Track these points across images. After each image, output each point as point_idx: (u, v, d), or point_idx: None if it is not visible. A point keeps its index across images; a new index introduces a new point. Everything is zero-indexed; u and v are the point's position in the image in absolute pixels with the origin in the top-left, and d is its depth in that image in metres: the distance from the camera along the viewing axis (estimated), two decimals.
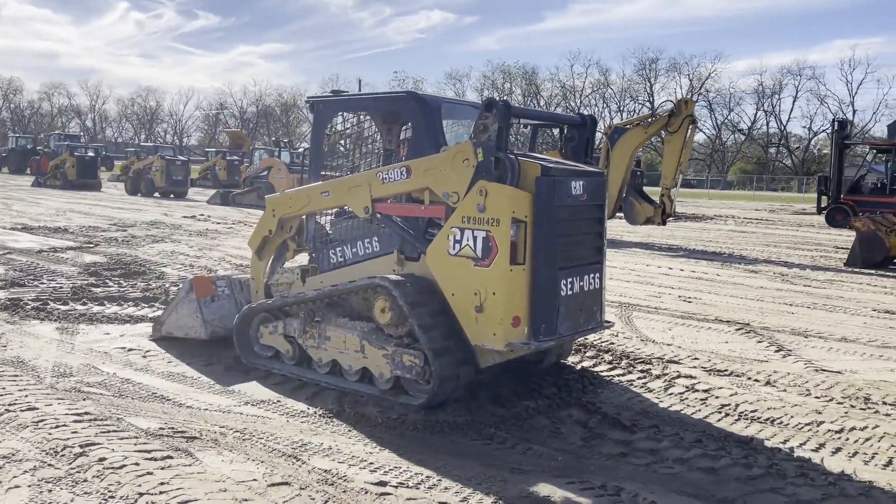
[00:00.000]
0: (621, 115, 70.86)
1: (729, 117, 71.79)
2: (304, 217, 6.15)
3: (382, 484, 3.95)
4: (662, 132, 17.19)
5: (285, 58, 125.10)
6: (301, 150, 39.46)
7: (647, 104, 70.76)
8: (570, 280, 5.09)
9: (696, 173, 66.36)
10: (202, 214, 21.58)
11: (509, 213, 4.76)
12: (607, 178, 5.79)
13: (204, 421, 4.82)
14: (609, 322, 5.80)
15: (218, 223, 19.12)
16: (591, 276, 5.34)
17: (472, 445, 4.56)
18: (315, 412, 5.07)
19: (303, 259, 6.39)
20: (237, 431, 4.64)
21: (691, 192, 48.48)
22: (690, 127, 16.37)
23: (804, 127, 64.45)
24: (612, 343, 7.10)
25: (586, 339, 6.80)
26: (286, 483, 3.92)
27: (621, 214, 17.55)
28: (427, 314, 5.01)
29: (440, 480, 4.02)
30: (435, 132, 5.33)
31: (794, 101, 73.10)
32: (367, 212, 5.46)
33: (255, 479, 3.95)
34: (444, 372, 4.94)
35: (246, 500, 3.72)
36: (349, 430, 4.75)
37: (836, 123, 26.79)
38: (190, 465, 4.08)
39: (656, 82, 73.15)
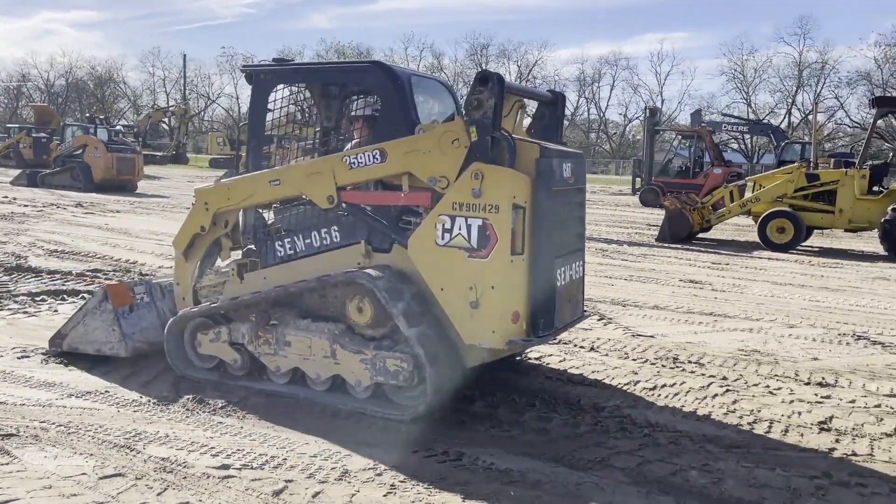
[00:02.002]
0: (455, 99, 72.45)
1: None
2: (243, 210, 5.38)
3: (225, 467, 3.87)
4: None
5: (98, 27, 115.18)
6: (119, 127, 36.72)
7: None
8: (562, 269, 4.79)
9: None
10: (6, 196, 19.54)
11: (510, 199, 4.33)
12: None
13: (21, 417, 4.44)
14: (587, 311, 5.53)
15: (25, 206, 17.42)
16: (576, 263, 5.10)
17: (317, 424, 4.57)
18: (149, 400, 4.83)
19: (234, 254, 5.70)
20: (61, 426, 4.32)
21: None
22: (520, 111, 17.13)
23: (620, 114, 69.31)
24: None
25: None
26: (120, 474, 3.73)
27: None
28: (416, 314, 4.54)
29: (285, 460, 4.00)
30: (407, 109, 4.77)
31: (611, 90, 78.69)
32: (331, 201, 4.82)
33: (83, 474, 3.72)
34: (440, 377, 4.48)
35: (75, 495, 3.50)
36: (187, 417, 4.59)
37: (647, 111, 29.16)
38: (7, 464, 3.77)
39: (487, 67, 75.54)
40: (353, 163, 4.75)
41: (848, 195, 14.64)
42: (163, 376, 5.26)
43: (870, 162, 16.14)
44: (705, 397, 5.32)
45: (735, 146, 51.33)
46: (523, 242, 4.41)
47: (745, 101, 56.66)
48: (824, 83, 53.49)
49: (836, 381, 5.83)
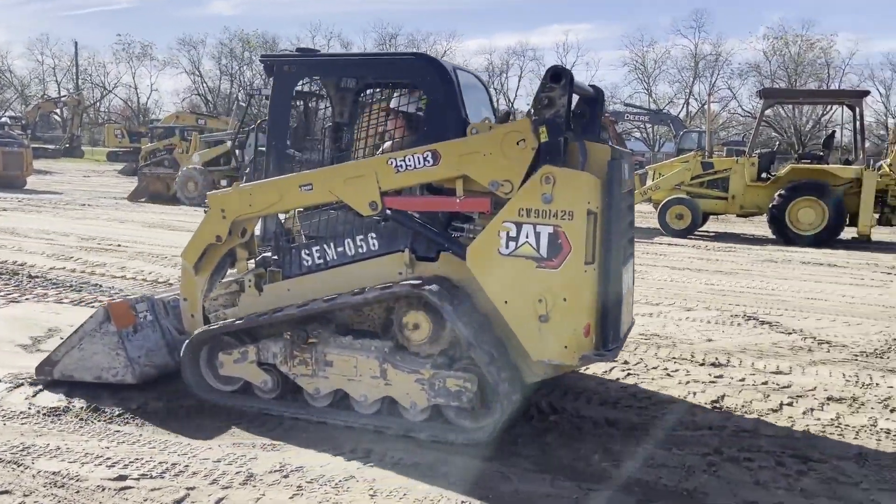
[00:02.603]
0: None
1: None
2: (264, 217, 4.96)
3: (122, 478, 3.72)
4: None
5: None
6: (5, 119, 34.42)
7: None
8: (625, 276, 4.52)
9: None
10: None
11: (584, 204, 4.03)
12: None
13: None
14: (633, 318, 5.23)
15: None
16: (632, 268, 4.88)
17: (221, 427, 4.45)
18: (38, 411, 4.58)
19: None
20: None
21: None
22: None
23: (528, 104, 70.23)
24: None
25: None
26: (6, 492, 3.52)
27: None
28: (478, 329, 4.23)
29: (187, 466, 3.88)
30: (457, 106, 4.42)
31: (519, 80, 79.22)
32: (374, 207, 4.40)
33: None
34: (512, 396, 4.19)
35: None
36: (81, 427, 4.38)
37: None
38: None
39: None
40: (401, 165, 4.33)
41: (739, 182, 15.44)
42: (54, 385, 4.99)
43: (759, 150, 17.06)
44: (607, 381, 5.51)
45: (638, 135, 53.13)
46: (594, 250, 4.12)
47: (647, 92, 58.71)
48: (718, 74, 56.07)
49: (728, 360, 6.16)
